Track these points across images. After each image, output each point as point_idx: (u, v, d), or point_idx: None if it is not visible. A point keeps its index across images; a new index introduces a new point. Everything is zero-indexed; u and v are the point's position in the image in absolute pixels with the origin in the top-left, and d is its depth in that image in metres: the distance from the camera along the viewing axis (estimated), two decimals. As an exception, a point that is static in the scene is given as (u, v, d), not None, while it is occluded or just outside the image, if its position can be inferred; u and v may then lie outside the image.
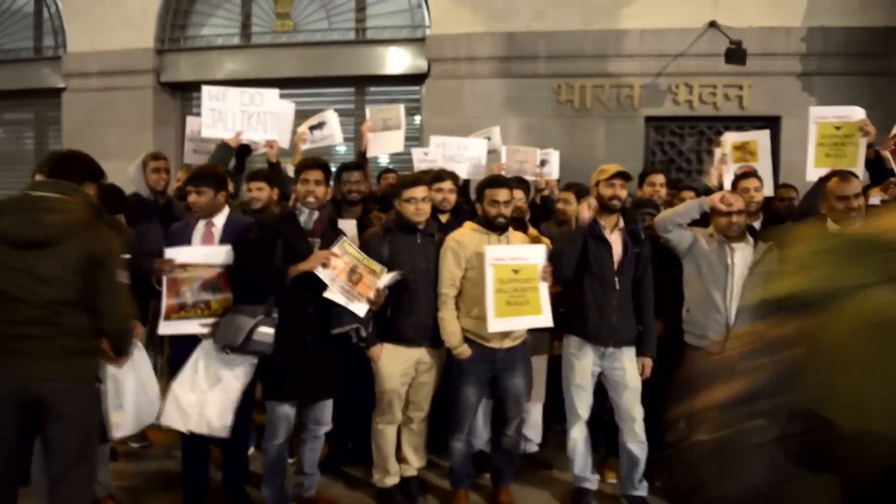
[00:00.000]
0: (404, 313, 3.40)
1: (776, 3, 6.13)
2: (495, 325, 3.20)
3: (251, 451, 3.97)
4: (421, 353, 3.49)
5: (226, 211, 3.49)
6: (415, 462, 3.70)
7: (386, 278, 3.25)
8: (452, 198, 3.85)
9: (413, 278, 3.39)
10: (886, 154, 3.73)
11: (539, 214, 4.63)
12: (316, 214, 3.29)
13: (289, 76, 7.10)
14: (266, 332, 3.14)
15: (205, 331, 3.21)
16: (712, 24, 6.06)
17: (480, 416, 3.90)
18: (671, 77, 6.18)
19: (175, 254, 3.27)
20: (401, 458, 3.69)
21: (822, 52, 6.07)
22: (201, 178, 3.41)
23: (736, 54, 5.69)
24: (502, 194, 3.36)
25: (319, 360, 3.26)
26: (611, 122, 6.27)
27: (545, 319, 3.29)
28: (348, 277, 3.15)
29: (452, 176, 3.90)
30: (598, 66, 6.26)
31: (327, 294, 3.11)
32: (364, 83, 7.26)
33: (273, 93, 4.55)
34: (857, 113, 3.87)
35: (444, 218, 3.84)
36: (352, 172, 4.25)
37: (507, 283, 3.19)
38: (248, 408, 3.71)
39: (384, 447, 3.58)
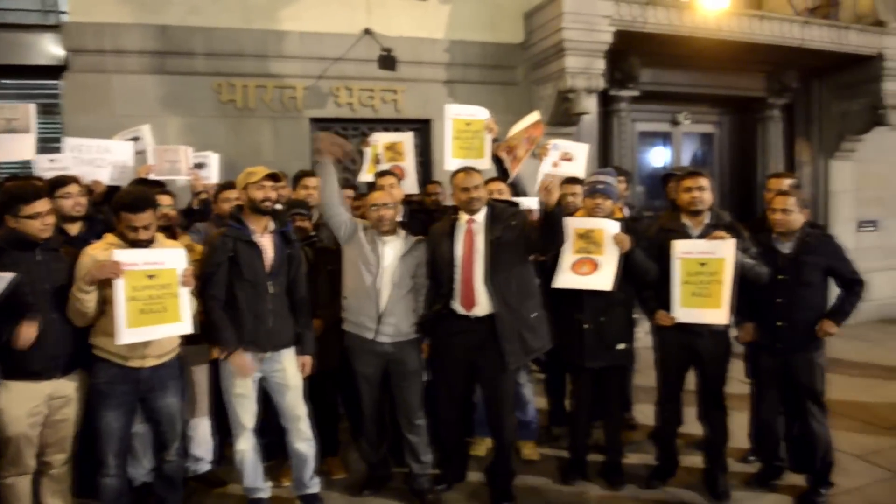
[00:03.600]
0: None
1: (422, 15, 6.71)
2: (126, 336, 2.89)
3: None
4: (54, 387, 3.04)
5: None
6: (59, 511, 3.24)
7: None
8: (84, 201, 3.48)
9: (34, 301, 2.93)
10: (503, 155, 4.32)
11: (198, 218, 4.40)
12: None
13: None
14: None
15: None
16: (367, 32, 6.39)
17: (138, 444, 3.57)
18: (332, 80, 6.37)
19: None
20: (41, 511, 3.19)
21: (463, 63, 6.82)
22: None
23: (387, 61, 6.10)
24: (143, 219, 2.99)
25: None
26: (276, 122, 6.24)
27: (185, 327, 3.08)
28: None
29: (76, 179, 3.50)
30: (259, 66, 6.17)
31: None
32: (-15, 75, 6.12)
33: None
34: (483, 112, 4.40)
35: (74, 229, 3.41)
36: None
37: (140, 289, 2.91)
38: None
39: (16, 504, 3.06)
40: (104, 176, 4.23)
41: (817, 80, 8.52)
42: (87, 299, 2.92)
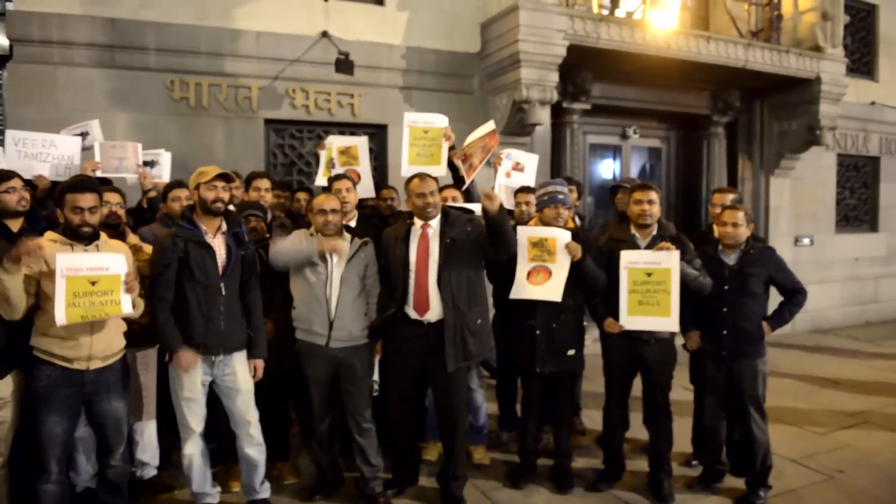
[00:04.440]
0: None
1: (380, 20, 6.70)
2: (65, 319, 2.81)
3: None
4: None
5: None
6: (-7, 520, 3.11)
7: None
8: (28, 196, 3.38)
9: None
10: (458, 163, 4.36)
11: (148, 217, 4.30)
12: None
13: None
14: None
15: None
16: (324, 34, 6.35)
17: (81, 448, 3.45)
18: (288, 81, 6.29)
19: None
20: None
21: (419, 70, 6.84)
22: None
23: (344, 64, 6.07)
24: (87, 199, 2.95)
25: None
26: (229, 122, 6.12)
27: (125, 310, 2.99)
28: None
29: (17, 174, 3.41)
30: (213, 64, 6.05)
31: None
32: (-82, 61, 5.82)
33: None
34: (442, 120, 4.42)
35: (15, 225, 3.30)
36: None
37: (81, 296, 2.83)
38: None
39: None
40: (46, 170, 4.08)
41: (759, 100, 8.90)
42: (10, 280, 2.76)
